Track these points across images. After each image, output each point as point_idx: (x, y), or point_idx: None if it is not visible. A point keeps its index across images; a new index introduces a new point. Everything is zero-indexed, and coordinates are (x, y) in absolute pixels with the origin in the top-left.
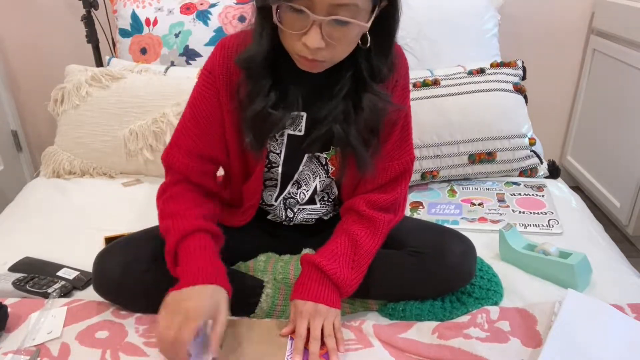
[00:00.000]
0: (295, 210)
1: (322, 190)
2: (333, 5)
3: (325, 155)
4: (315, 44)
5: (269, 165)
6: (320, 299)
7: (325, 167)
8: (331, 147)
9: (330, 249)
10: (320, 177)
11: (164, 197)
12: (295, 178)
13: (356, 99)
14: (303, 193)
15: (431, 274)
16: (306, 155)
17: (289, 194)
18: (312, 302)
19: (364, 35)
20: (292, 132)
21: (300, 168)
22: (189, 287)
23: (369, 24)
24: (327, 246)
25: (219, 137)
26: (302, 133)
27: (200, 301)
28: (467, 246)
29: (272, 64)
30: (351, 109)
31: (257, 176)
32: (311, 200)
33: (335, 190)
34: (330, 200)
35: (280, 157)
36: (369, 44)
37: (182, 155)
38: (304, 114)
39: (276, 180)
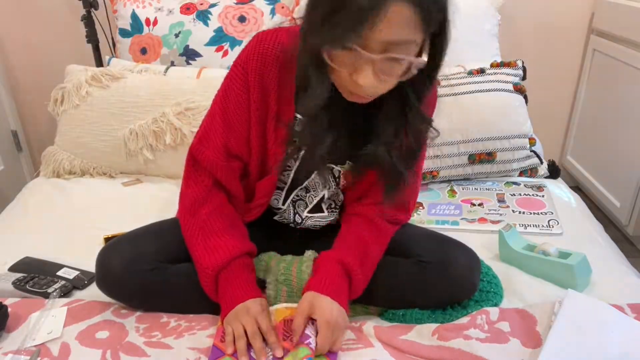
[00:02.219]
0: (303, 216)
1: (329, 198)
2: (388, 43)
3: (339, 168)
4: (369, 83)
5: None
6: (343, 303)
7: (337, 179)
8: (347, 161)
9: (343, 247)
10: (330, 188)
11: (206, 209)
12: (305, 184)
13: (401, 124)
14: (311, 197)
15: (434, 285)
16: None
17: (297, 196)
18: (341, 311)
19: None
20: None
21: (312, 176)
22: (241, 303)
23: (421, 59)
24: (339, 245)
25: (245, 135)
26: None
27: (254, 305)
28: (472, 258)
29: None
30: (400, 131)
31: (272, 177)
32: (319, 209)
33: (342, 197)
34: (337, 207)
35: (295, 162)
36: (415, 72)
37: (211, 151)
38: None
39: (285, 183)
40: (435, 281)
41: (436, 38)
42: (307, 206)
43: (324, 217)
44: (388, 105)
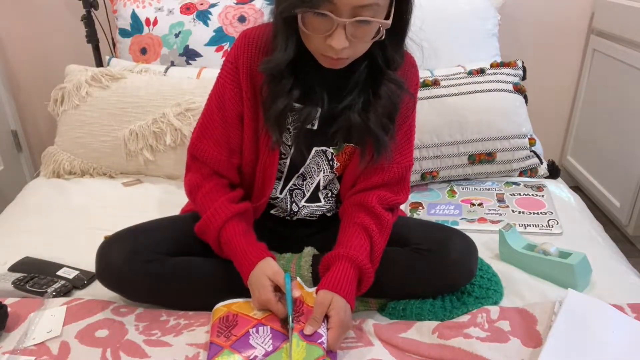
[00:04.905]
0: (300, 205)
1: (325, 187)
2: (356, 7)
3: (332, 150)
4: (341, 45)
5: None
6: (352, 303)
7: (331, 162)
8: (338, 142)
9: (355, 244)
10: (324, 172)
11: (201, 192)
12: (301, 171)
13: (374, 87)
14: (308, 185)
15: (434, 271)
16: (314, 149)
17: (295, 185)
18: (350, 311)
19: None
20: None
21: (308, 161)
22: (250, 272)
23: (390, 20)
24: (350, 241)
25: (241, 129)
26: (314, 127)
27: (261, 279)
28: (469, 244)
29: (293, 65)
30: (371, 97)
31: (271, 166)
32: (315, 198)
33: (338, 186)
34: (334, 196)
35: (290, 148)
36: (383, 36)
37: (211, 146)
38: (319, 109)
39: (282, 172)
40: (435, 267)
41: (399, 3)
42: (304, 195)
43: (320, 207)
44: (358, 73)
